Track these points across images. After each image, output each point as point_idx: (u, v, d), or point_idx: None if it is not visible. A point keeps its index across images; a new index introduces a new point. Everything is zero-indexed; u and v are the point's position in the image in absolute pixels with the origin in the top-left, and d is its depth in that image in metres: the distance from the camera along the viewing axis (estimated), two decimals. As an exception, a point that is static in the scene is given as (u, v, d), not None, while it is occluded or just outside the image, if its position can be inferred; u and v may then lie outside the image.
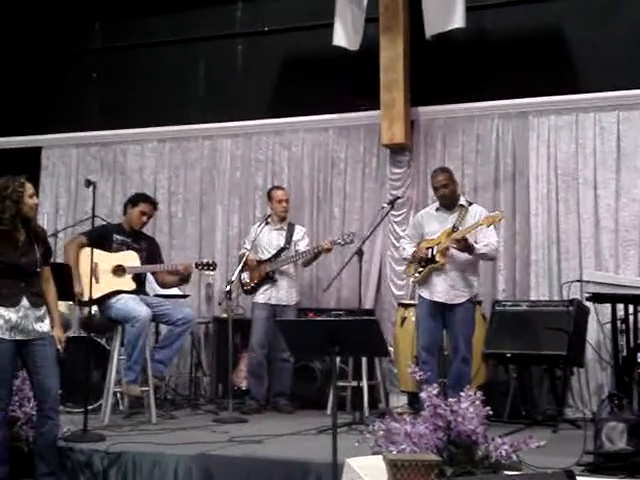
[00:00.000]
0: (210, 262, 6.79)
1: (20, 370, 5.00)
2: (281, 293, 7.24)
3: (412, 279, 6.57)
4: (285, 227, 7.40)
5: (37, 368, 4.78)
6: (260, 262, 7.28)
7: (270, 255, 7.29)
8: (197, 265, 6.76)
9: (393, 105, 7.55)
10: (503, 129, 7.62)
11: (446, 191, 6.40)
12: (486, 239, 6.27)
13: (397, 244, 7.38)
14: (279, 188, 7.56)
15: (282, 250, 7.29)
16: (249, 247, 7.28)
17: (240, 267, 7.03)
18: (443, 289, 6.27)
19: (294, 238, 7.33)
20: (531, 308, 6.82)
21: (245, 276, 7.31)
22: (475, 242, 6.24)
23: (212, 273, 7.19)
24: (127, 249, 6.60)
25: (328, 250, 7.13)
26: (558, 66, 7.45)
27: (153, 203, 6.86)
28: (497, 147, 7.63)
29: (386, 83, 7.55)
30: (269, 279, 7.23)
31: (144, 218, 6.75)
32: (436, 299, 6.28)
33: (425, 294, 6.37)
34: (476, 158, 7.69)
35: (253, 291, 7.31)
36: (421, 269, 6.36)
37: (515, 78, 7.54)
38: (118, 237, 6.63)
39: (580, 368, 6.70)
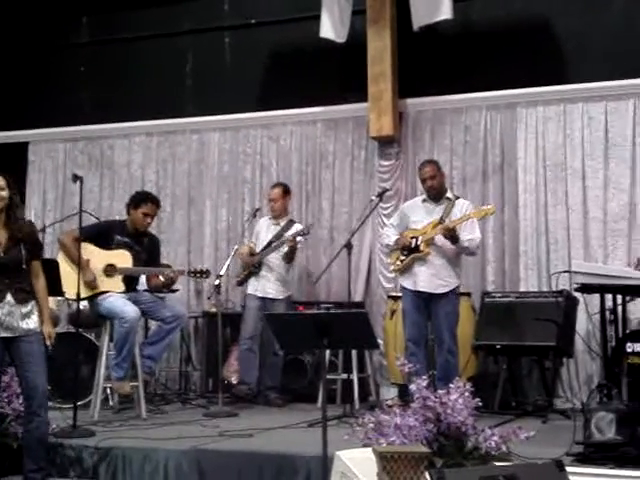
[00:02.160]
0: (204, 270, 6.71)
1: (8, 367, 4.98)
2: (268, 286, 7.25)
3: (393, 267, 6.55)
4: (282, 223, 7.41)
5: (24, 365, 4.74)
6: (253, 255, 7.31)
7: (261, 247, 7.32)
8: (190, 273, 6.71)
9: (381, 97, 7.54)
10: (491, 120, 7.62)
11: (433, 182, 6.40)
12: (470, 234, 6.26)
13: (380, 234, 7.31)
14: (275, 186, 7.58)
15: (271, 243, 7.29)
16: (255, 241, 7.45)
17: (229, 259, 7.04)
18: (426, 278, 6.27)
19: (287, 233, 7.30)
20: (520, 299, 6.83)
21: (238, 267, 7.34)
22: None
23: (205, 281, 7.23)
24: (125, 249, 6.51)
25: (291, 242, 7.09)
26: (546, 57, 7.46)
27: (155, 202, 6.72)
28: (485, 138, 7.62)
29: (374, 75, 7.54)
30: (254, 270, 7.26)
31: (148, 219, 6.63)
32: (420, 288, 6.28)
33: (408, 284, 6.36)
34: (464, 150, 7.69)
35: (242, 283, 7.37)
36: (403, 257, 6.35)
37: (503, 69, 7.53)
38: (119, 237, 6.52)
39: (569, 359, 6.73)
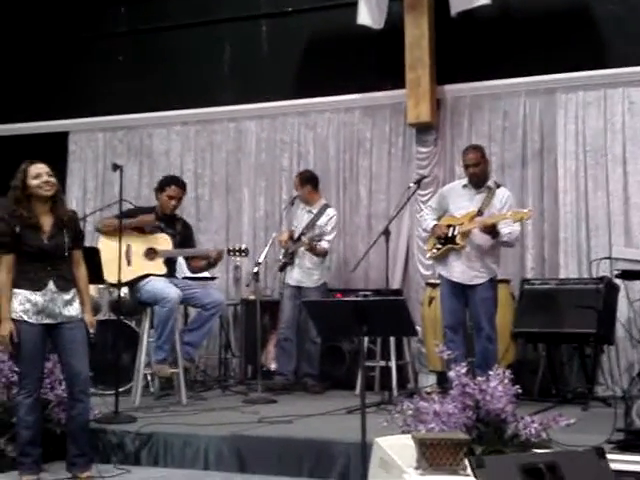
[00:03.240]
0: (242, 248, 6.77)
1: (51, 354, 5.05)
2: (299, 274, 7.27)
3: (429, 254, 6.53)
4: (315, 210, 7.39)
5: (66, 351, 4.81)
6: (292, 239, 7.34)
7: (298, 235, 7.33)
8: (229, 251, 6.75)
9: (419, 84, 7.51)
10: (530, 106, 7.55)
11: (476, 170, 6.31)
12: (509, 226, 6.16)
13: (419, 215, 7.26)
14: (298, 174, 7.58)
15: (303, 233, 7.28)
16: (292, 228, 7.50)
17: (267, 246, 7.05)
18: (461, 270, 6.22)
19: (319, 222, 7.31)
20: (560, 286, 6.78)
21: (279, 253, 7.41)
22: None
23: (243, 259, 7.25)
24: (162, 233, 6.62)
25: (307, 245, 7.10)
26: (585, 41, 7.36)
27: (179, 184, 6.82)
28: (524, 124, 7.56)
29: (411, 62, 7.50)
30: (290, 259, 7.29)
31: (173, 202, 6.73)
32: (454, 279, 6.25)
33: (444, 273, 6.34)
34: (503, 136, 7.63)
35: (282, 269, 7.38)
36: (439, 246, 6.32)
37: (542, 54, 7.45)
38: None
39: (610, 346, 6.67)
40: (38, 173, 4.78)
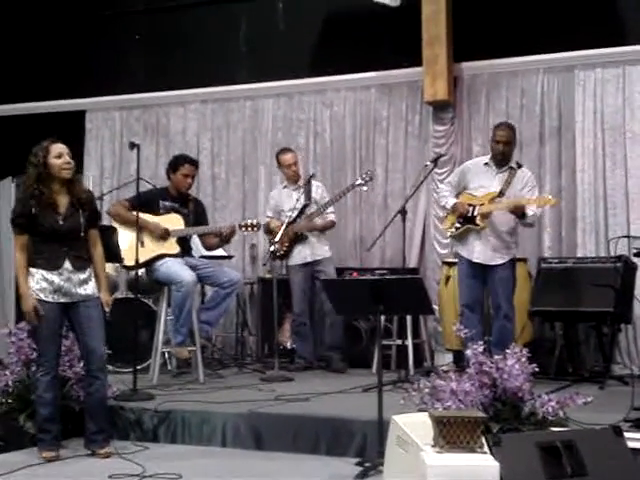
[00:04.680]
0: (254, 223, 6.76)
1: (69, 332, 5.09)
2: (315, 248, 7.23)
3: (449, 233, 6.51)
4: (301, 185, 7.32)
5: (83, 329, 4.85)
6: (286, 226, 7.13)
7: (294, 216, 7.21)
8: (240, 226, 6.74)
9: (436, 61, 7.47)
10: (548, 83, 7.50)
11: (505, 149, 6.24)
12: (531, 209, 6.12)
13: (437, 191, 7.18)
14: (287, 151, 7.45)
15: (305, 207, 7.22)
16: (271, 215, 7.37)
17: (284, 225, 7.01)
18: (481, 250, 6.20)
19: (314, 194, 7.26)
20: (577, 265, 6.75)
21: (276, 243, 7.25)
22: None
23: (255, 233, 7.21)
24: (174, 213, 6.63)
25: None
26: (604, 18, 7.29)
27: (192, 162, 6.83)
28: (542, 102, 7.51)
29: (428, 39, 7.46)
30: (300, 239, 7.22)
31: (188, 180, 6.74)
32: (474, 260, 6.23)
33: (463, 253, 6.32)
34: (521, 114, 7.59)
35: (286, 256, 7.28)
36: (459, 225, 6.29)
37: (560, 31, 7.38)
38: (165, 203, 6.64)
39: (627, 324, 6.64)
40: (60, 153, 4.79)
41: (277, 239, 6.83)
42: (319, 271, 7.14)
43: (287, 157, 7.35)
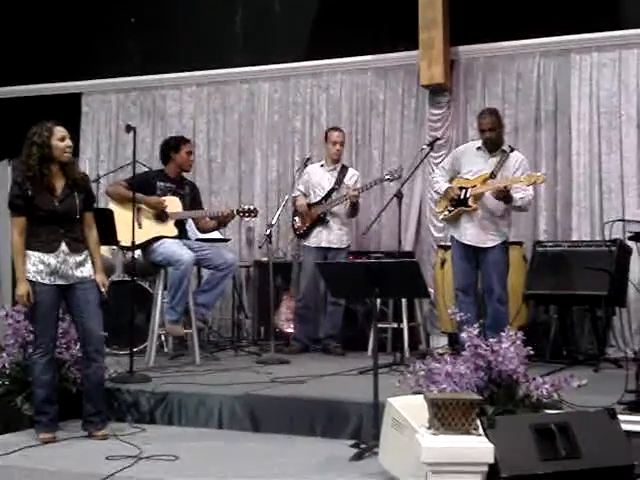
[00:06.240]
0: (252, 208, 6.75)
1: (66, 314, 5.11)
2: (332, 235, 7.19)
3: (441, 216, 6.51)
4: (338, 168, 7.31)
5: (79, 312, 4.87)
6: (311, 205, 7.22)
7: (320, 197, 7.23)
8: (239, 212, 6.73)
9: (432, 45, 7.46)
10: (544, 67, 7.51)
11: (492, 135, 6.24)
12: (522, 191, 6.12)
13: (432, 175, 7.14)
14: (335, 129, 7.39)
15: (332, 191, 7.21)
16: (302, 189, 7.34)
17: (280, 208, 7.04)
18: (473, 232, 6.21)
19: (346, 180, 7.25)
20: (572, 248, 6.77)
21: (297, 220, 7.28)
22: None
23: (253, 219, 7.22)
24: (172, 195, 6.64)
25: (355, 197, 7.01)
26: (601, 2, 7.30)
27: (189, 141, 6.91)
28: (538, 86, 7.52)
29: (425, 22, 7.45)
30: (321, 221, 7.18)
31: (192, 157, 6.82)
32: (466, 242, 6.25)
33: (456, 235, 6.33)
34: (517, 97, 7.60)
35: (305, 235, 7.24)
36: (451, 209, 6.29)
37: (556, 15, 7.38)
38: (162, 184, 6.62)
39: (622, 308, 6.66)
40: (63, 136, 4.80)
41: (273, 222, 6.91)
42: (329, 259, 7.09)
43: (335, 134, 7.29)
